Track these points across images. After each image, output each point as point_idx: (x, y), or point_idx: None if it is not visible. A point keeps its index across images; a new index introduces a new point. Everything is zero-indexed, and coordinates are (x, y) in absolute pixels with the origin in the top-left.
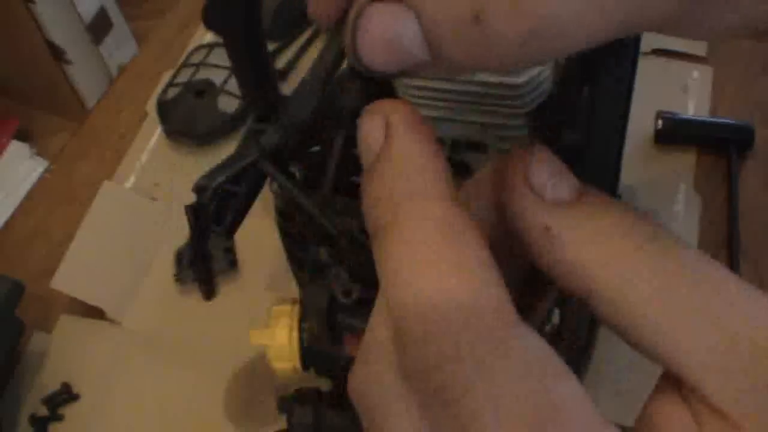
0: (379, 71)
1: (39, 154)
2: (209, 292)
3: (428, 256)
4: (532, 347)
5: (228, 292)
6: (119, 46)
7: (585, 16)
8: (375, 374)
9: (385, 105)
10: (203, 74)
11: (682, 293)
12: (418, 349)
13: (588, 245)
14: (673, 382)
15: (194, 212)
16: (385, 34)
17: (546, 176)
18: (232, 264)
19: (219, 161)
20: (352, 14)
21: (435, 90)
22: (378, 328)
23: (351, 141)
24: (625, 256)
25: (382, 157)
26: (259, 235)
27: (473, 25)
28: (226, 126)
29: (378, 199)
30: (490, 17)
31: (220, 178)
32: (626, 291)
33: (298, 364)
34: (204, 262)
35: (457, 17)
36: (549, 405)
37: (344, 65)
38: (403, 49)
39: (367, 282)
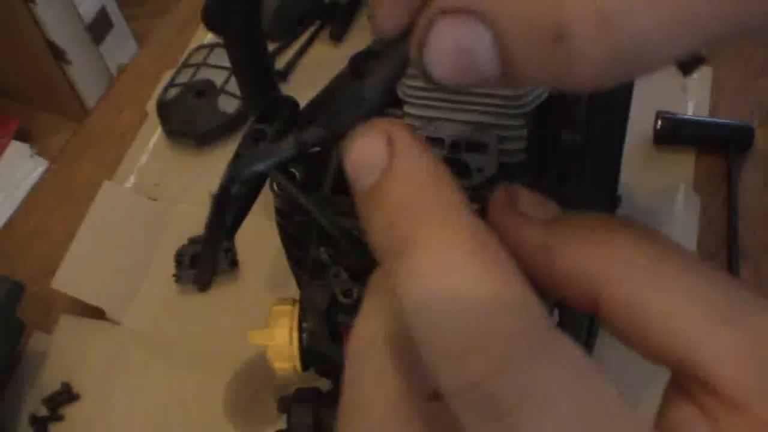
0: (446, 84)
1: (39, 154)
2: (206, 285)
3: (463, 267)
4: (574, 351)
5: (228, 292)
6: (119, 46)
7: (674, 34)
8: (378, 416)
9: (382, 123)
10: (203, 74)
11: (688, 286)
12: (461, 364)
13: (586, 252)
14: (679, 388)
15: (220, 200)
16: (455, 48)
17: (533, 202)
18: (232, 264)
19: (219, 161)
20: (421, 25)
21: (435, 90)
22: (377, 365)
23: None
24: (625, 256)
25: (390, 176)
26: (259, 235)
27: (554, 44)
28: (226, 126)
29: (392, 219)
30: (574, 37)
31: (256, 168)
32: (630, 289)
33: (298, 364)
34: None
35: (537, 35)
36: (603, 409)
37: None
38: (474, 64)
39: (367, 282)
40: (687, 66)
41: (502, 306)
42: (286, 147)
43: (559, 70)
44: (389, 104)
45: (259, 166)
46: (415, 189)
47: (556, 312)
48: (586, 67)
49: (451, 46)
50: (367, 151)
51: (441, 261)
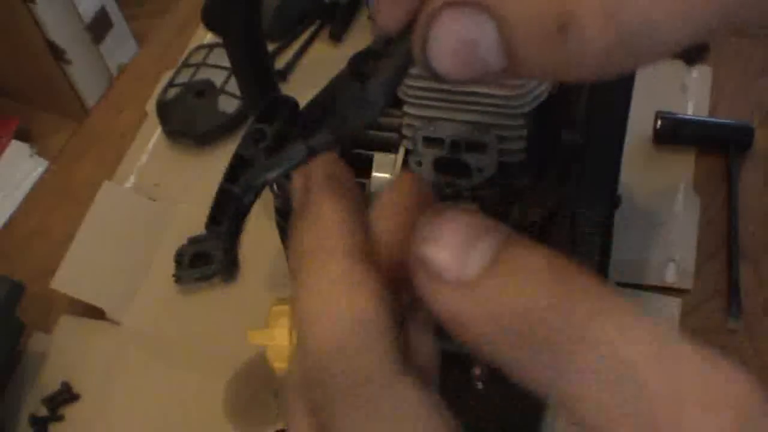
0: (450, 79)
1: (39, 154)
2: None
3: (323, 308)
4: (414, 398)
5: (228, 292)
6: (119, 46)
7: (675, 23)
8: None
9: (313, 165)
10: (203, 74)
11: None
12: (312, 390)
13: (494, 330)
14: None
15: (237, 213)
16: (459, 42)
17: (451, 252)
18: (232, 264)
19: (219, 161)
20: (423, 19)
21: (435, 90)
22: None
23: (353, 140)
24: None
25: (299, 214)
26: (259, 235)
27: (560, 36)
28: (226, 126)
29: (294, 251)
30: (579, 27)
31: (269, 176)
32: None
33: None
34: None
35: (543, 26)
36: None
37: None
38: (479, 57)
39: None
40: (691, 57)
41: (351, 347)
42: (297, 154)
43: (564, 62)
44: (389, 104)
45: (272, 174)
46: (310, 230)
47: None
48: (590, 58)
49: (454, 39)
50: (293, 190)
51: (311, 299)
